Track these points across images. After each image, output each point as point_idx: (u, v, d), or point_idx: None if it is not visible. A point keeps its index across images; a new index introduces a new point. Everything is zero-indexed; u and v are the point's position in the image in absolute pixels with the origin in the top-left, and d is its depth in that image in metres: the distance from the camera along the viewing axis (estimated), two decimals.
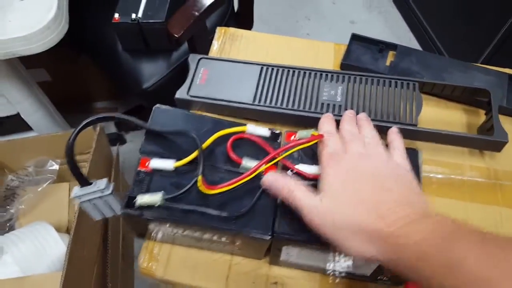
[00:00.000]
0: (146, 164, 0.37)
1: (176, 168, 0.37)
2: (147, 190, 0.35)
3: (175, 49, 0.95)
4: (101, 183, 0.37)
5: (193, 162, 0.37)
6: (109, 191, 0.37)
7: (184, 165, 0.37)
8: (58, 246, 0.78)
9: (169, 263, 0.41)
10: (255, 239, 0.34)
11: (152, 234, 0.40)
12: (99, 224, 0.85)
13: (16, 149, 0.93)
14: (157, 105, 0.40)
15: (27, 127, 1.03)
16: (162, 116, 0.40)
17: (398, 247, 0.28)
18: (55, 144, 0.92)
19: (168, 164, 0.36)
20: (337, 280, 0.40)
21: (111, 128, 1.28)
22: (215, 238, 0.37)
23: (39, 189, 0.92)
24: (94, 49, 1.02)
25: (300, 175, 0.36)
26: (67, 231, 0.90)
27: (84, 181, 0.37)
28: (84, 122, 0.35)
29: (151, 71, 0.94)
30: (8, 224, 0.92)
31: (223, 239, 0.37)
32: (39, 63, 1.17)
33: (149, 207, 0.34)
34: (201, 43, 0.89)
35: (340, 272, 0.40)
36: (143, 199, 0.34)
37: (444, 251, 0.25)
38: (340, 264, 0.37)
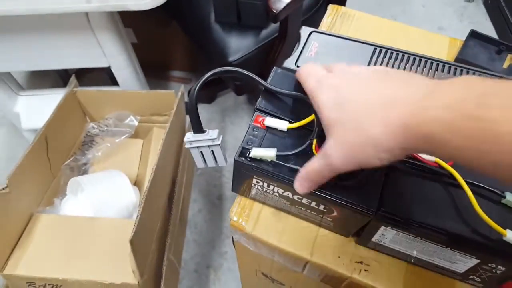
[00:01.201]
0: (260, 121, 0.37)
1: (288, 130, 0.37)
2: (259, 145, 0.36)
3: (265, 26, 0.96)
4: (213, 133, 0.38)
5: (303, 127, 0.38)
6: (219, 142, 0.39)
7: (295, 128, 0.37)
8: (129, 195, 0.83)
9: (258, 221, 0.42)
10: (358, 212, 0.34)
11: (247, 190, 0.41)
12: (168, 183, 0.89)
13: (101, 100, 0.98)
14: (276, 67, 0.41)
15: (105, 82, 1.09)
16: (280, 78, 0.40)
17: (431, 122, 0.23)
18: (137, 101, 0.97)
19: (282, 124, 0.37)
20: (423, 272, 0.39)
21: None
22: (313, 204, 0.37)
23: (117, 140, 0.97)
24: (187, 16, 1.06)
25: (420, 161, 0.35)
26: (135, 184, 0.95)
27: (199, 129, 0.38)
28: (209, 73, 0.37)
29: (239, 46, 0.95)
30: (83, 168, 0.98)
31: (321, 206, 0.37)
32: (128, 23, 1.23)
33: (260, 160, 0.35)
34: (293, 24, 0.89)
35: (429, 264, 0.38)
36: (258, 152, 0.35)
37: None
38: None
